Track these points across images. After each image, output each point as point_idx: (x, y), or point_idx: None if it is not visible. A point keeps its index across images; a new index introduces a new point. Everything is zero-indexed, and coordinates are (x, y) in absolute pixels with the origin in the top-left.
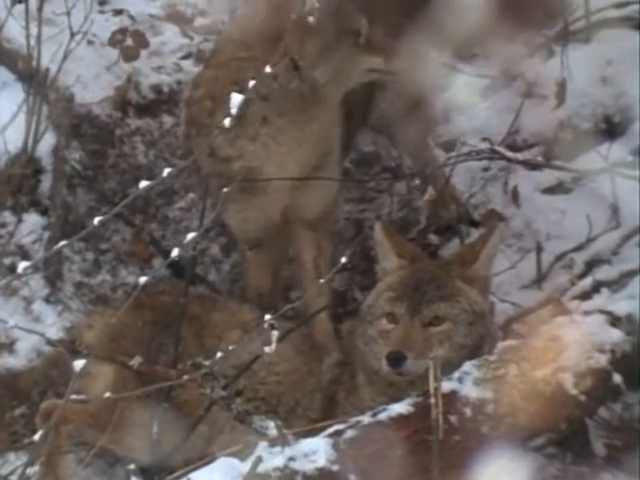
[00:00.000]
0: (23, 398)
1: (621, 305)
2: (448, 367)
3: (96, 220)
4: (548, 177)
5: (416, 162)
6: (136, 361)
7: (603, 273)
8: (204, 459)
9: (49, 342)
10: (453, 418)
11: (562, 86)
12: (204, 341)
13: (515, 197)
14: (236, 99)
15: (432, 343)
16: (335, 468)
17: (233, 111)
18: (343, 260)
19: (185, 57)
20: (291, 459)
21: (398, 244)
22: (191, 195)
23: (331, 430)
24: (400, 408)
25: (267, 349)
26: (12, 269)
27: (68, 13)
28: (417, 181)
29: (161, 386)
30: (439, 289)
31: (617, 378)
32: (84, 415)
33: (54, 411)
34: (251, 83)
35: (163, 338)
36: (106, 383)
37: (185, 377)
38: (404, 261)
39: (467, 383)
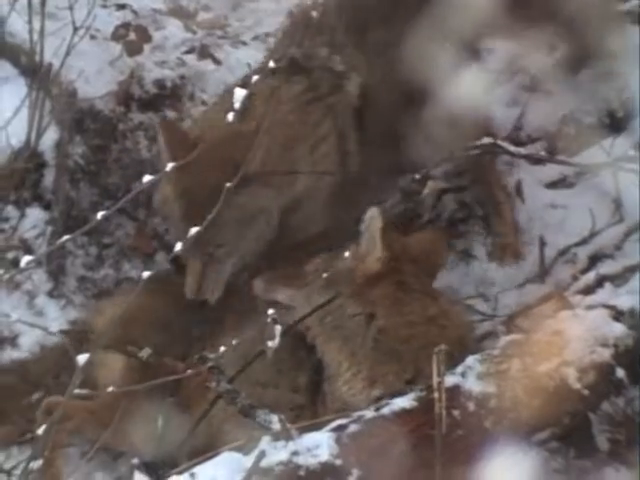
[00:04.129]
0: (37, 384)
1: (624, 299)
2: None
3: (99, 215)
4: (551, 172)
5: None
6: (145, 352)
7: (606, 267)
8: (208, 453)
9: (60, 331)
10: (456, 412)
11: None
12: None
13: (519, 192)
14: (239, 94)
15: None
16: (338, 462)
17: (236, 105)
18: None
19: (188, 52)
20: (294, 453)
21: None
22: None
23: (334, 424)
24: (403, 402)
25: (270, 344)
26: (15, 263)
27: (71, 8)
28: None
29: (167, 380)
30: None
31: (620, 372)
32: (85, 412)
33: (56, 407)
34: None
35: (180, 323)
36: (116, 372)
37: (190, 371)
38: None
39: (470, 377)
